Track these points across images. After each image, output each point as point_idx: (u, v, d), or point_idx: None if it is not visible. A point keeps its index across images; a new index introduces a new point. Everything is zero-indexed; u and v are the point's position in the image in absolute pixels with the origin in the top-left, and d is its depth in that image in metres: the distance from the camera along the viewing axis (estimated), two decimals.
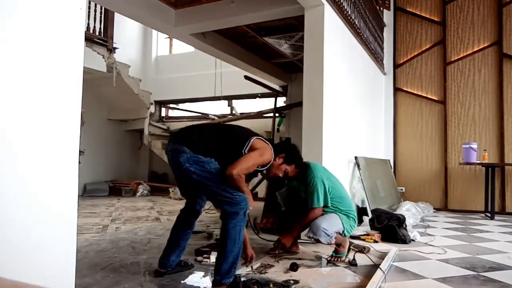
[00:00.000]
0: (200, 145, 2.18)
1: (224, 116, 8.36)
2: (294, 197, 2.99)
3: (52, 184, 1.44)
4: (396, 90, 6.55)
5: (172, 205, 6.03)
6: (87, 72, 5.97)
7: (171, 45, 9.99)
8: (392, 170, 6.25)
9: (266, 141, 2.31)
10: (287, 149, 2.82)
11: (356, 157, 4.45)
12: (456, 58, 6.15)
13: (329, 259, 2.74)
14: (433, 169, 6.20)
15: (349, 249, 2.85)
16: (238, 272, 2.38)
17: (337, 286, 2.23)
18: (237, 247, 2.09)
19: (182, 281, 2.23)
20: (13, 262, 1.31)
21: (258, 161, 2.18)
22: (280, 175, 2.79)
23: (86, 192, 7.13)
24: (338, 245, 2.78)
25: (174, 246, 2.38)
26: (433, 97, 6.29)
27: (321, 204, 2.75)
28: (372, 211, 4.00)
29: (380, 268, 2.42)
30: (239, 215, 2.09)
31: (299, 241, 3.05)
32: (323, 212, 2.79)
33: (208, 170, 2.12)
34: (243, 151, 2.17)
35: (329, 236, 2.68)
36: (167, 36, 9.12)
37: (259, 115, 7.70)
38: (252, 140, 2.21)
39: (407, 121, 6.46)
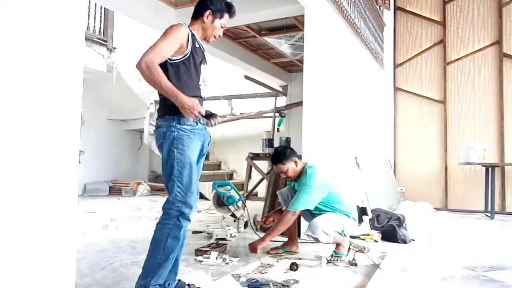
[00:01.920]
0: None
1: (224, 116, 8.35)
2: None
3: (52, 184, 1.44)
4: (396, 90, 6.56)
5: None
6: (87, 72, 5.96)
7: None
8: (392, 170, 6.25)
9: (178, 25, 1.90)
10: (293, 152, 2.94)
11: (356, 157, 4.45)
12: (456, 58, 6.15)
13: (329, 259, 2.74)
14: (433, 169, 6.20)
15: (349, 249, 2.85)
16: (238, 271, 2.38)
17: (337, 286, 2.23)
18: (161, 253, 1.77)
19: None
20: (13, 262, 1.31)
21: (165, 42, 1.79)
22: (291, 175, 2.91)
23: (86, 192, 7.13)
24: (338, 245, 2.78)
25: None
26: (433, 97, 6.29)
27: (299, 209, 2.73)
28: (372, 211, 4.00)
29: (380, 268, 2.42)
30: (170, 215, 1.81)
31: (299, 241, 3.05)
32: (321, 212, 2.80)
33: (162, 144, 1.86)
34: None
35: (327, 235, 2.68)
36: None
37: (259, 115, 7.70)
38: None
39: (407, 121, 6.46)
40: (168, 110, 1.84)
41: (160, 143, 1.86)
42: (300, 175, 2.88)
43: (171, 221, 1.80)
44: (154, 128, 1.97)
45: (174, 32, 1.84)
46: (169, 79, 1.79)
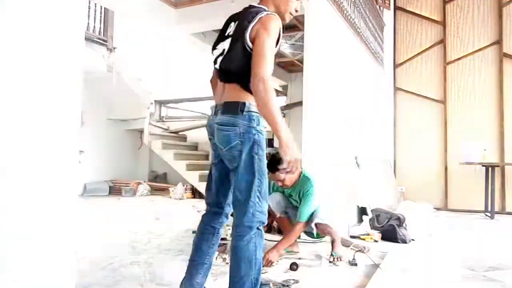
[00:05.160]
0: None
1: None
2: (286, 203, 3.04)
3: (52, 184, 1.44)
4: (396, 89, 6.55)
5: (172, 205, 6.03)
6: (87, 72, 5.96)
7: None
8: (392, 170, 6.25)
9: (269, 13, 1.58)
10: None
11: (356, 157, 4.45)
12: (456, 58, 6.15)
13: (329, 259, 2.74)
14: (433, 168, 6.20)
15: (356, 251, 2.85)
16: None
17: (337, 286, 2.23)
18: (254, 268, 1.58)
19: None
20: (13, 261, 1.31)
21: (271, 42, 1.52)
22: (288, 184, 2.90)
23: (86, 192, 7.12)
24: (332, 242, 2.82)
25: (199, 264, 1.81)
26: (433, 97, 6.29)
27: (307, 219, 2.81)
28: (372, 211, 4.00)
29: (380, 268, 2.42)
30: (253, 228, 1.60)
31: (299, 241, 3.05)
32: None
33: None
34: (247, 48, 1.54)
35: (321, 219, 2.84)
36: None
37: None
38: (249, 31, 1.55)
39: (407, 121, 6.46)
40: (247, 106, 1.59)
41: (235, 145, 1.59)
42: (297, 183, 2.89)
43: (254, 234, 1.60)
44: (217, 124, 1.63)
45: (276, 30, 1.54)
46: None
